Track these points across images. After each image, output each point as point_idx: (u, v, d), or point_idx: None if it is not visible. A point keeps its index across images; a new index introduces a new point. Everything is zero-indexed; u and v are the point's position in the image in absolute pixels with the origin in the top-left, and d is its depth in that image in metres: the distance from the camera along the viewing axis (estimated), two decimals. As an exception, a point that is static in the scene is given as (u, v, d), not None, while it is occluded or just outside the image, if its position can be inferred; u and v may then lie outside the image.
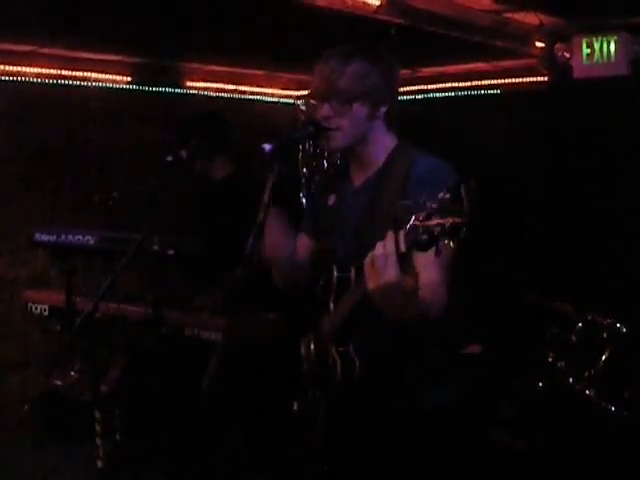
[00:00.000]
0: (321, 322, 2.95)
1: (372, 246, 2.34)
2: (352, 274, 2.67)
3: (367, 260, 2.35)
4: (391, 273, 2.28)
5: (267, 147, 2.92)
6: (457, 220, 2.08)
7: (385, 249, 2.30)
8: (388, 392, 2.96)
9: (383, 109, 3.01)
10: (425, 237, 2.12)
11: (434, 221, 2.10)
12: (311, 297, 3.15)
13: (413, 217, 2.17)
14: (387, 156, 3.03)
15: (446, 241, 2.10)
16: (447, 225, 2.08)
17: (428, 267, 2.63)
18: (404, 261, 2.29)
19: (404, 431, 2.95)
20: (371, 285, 2.34)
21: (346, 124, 2.95)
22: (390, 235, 2.29)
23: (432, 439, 2.97)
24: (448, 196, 2.09)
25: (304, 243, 3.30)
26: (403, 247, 2.22)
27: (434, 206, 2.11)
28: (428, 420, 2.96)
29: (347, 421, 2.98)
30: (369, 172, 3.06)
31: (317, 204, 3.27)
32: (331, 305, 2.89)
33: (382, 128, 3.06)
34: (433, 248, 2.14)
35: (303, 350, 3.13)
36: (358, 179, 3.10)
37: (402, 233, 2.22)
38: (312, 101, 3.02)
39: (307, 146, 8.60)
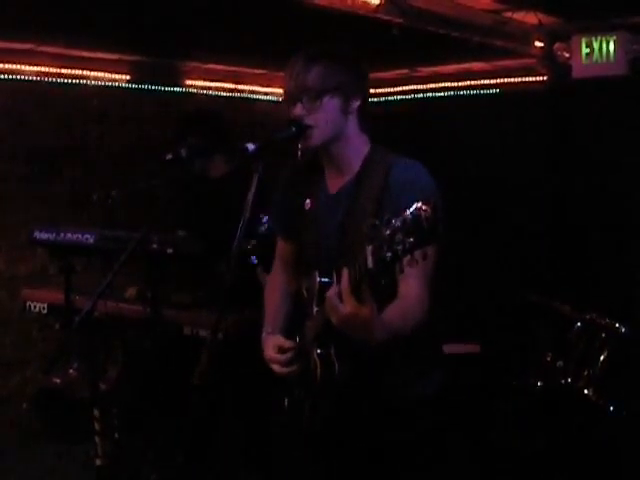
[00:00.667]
0: (304, 325, 2.97)
1: (351, 254, 2.51)
2: (334, 279, 2.70)
3: (327, 296, 2.57)
4: (346, 308, 2.49)
5: (250, 147, 2.92)
6: (418, 240, 2.20)
7: (340, 287, 2.51)
8: (368, 393, 2.96)
9: (355, 103, 2.99)
10: (389, 254, 2.25)
11: (397, 239, 2.22)
12: (296, 300, 3.17)
13: (379, 235, 2.28)
14: (363, 161, 3.01)
15: (408, 258, 2.23)
16: (408, 245, 2.20)
17: (406, 278, 2.74)
18: (358, 293, 2.48)
19: (386, 427, 2.96)
20: (332, 319, 2.56)
21: (320, 119, 2.94)
22: (345, 272, 2.49)
23: (414, 432, 2.98)
24: (410, 215, 2.20)
25: (285, 250, 3.35)
26: (371, 264, 2.33)
27: (398, 224, 2.22)
28: (410, 413, 2.98)
29: (329, 420, 2.99)
30: (345, 178, 3.03)
31: (290, 206, 3.24)
32: (314, 309, 2.91)
33: (356, 127, 3.03)
34: (398, 264, 2.27)
35: (291, 356, 3.13)
36: (333, 185, 3.08)
37: (369, 250, 2.33)
38: (286, 105, 3.01)
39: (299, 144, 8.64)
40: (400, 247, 2.21)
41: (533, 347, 5.33)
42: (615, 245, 6.47)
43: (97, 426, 4.60)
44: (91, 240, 4.70)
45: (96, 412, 4.59)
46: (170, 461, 4.79)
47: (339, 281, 2.56)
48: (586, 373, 4.90)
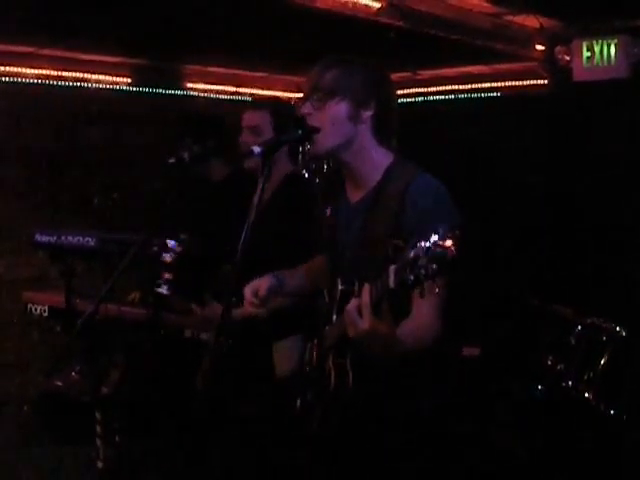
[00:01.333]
0: (324, 331, 2.98)
1: (369, 268, 2.57)
2: (356, 287, 2.71)
3: (346, 309, 2.58)
4: (365, 323, 2.51)
5: (256, 149, 2.93)
6: (441, 268, 2.23)
7: (360, 301, 2.52)
8: (382, 404, 2.97)
9: (367, 113, 2.97)
10: (411, 277, 2.27)
11: (420, 263, 2.25)
12: (316, 305, 3.18)
13: (403, 257, 2.31)
14: (383, 175, 2.98)
15: (430, 283, 2.26)
16: (431, 271, 2.23)
17: (421, 303, 2.75)
18: (378, 310, 2.50)
19: (396, 436, 2.95)
20: (350, 333, 2.57)
21: (325, 121, 2.93)
22: (366, 287, 2.51)
23: (425, 442, 2.98)
24: (435, 244, 2.23)
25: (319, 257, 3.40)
26: (392, 284, 2.36)
27: (423, 250, 2.25)
28: (421, 425, 2.97)
29: (338, 427, 2.99)
30: (364, 190, 3.02)
31: (318, 214, 3.28)
32: (334, 317, 2.91)
33: (371, 140, 3.01)
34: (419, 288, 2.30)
35: (307, 354, 3.16)
36: (353, 196, 3.07)
37: (392, 270, 2.35)
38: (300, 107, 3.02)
39: (307, 148, 8.65)
40: (423, 272, 2.24)
41: (534, 350, 5.33)
42: (616, 248, 6.47)
43: (98, 429, 4.59)
44: (92, 243, 4.70)
45: (97, 415, 4.59)
46: (171, 464, 4.80)
47: (359, 294, 2.57)
48: (587, 376, 4.89)
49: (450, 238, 2.21)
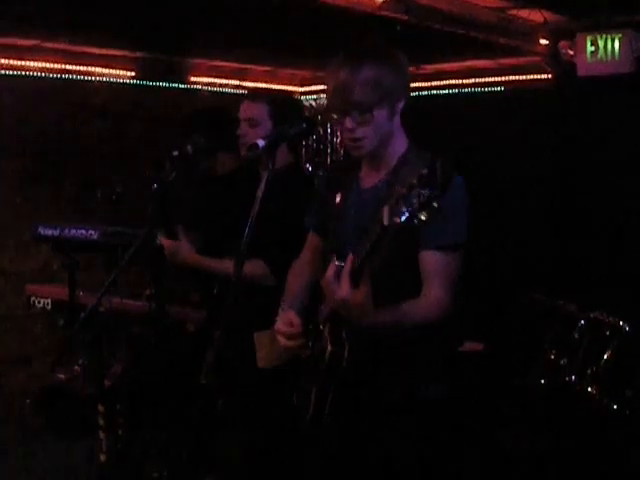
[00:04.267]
0: (318, 309, 2.99)
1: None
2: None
3: (324, 277, 2.65)
4: (342, 291, 2.57)
5: (260, 143, 2.93)
6: (432, 192, 2.25)
7: (339, 271, 2.59)
8: (377, 379, 2.96)
9: (400, 104, 3.00)
10: (404, 209, 2.28)
11: (413, 194, 2.26)
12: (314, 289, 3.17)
13: (395, 193, 2.32)
14: (399, 158, 3.00)
15: (422, 215, 2.26)
16: (422, 197, 2.25)
17: (432, 278, 2.82)
18: (357, 277, 2.54)
19: (394, 419, 2.95)
20: (330, 303, 2.68)
21: (370, 131, 2.92)
22: (349, 256, 2.56)
23: (425, 429, 2.97)
24: (425, 172, 2.25)
25: (315, 243, 3.35)
26: (386, 221, 2.35)
27: (414, 181, 2.26)
28: (422, 412, 2.96)
29: (337, 405, 2.99)
30: (380, 174, 3.02)
31: (324, 201, 3.25)
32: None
33: (398, 126, 3.05)
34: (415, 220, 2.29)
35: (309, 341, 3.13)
36: (368, 180, 3.07)
37: (385, 210, 2.35)
38: (333, 115, 2.96)
39: (310, 142, 8.65)
40: (415, 200, 2.25)
41: (537, 345, 5.33)
42: (620, 243, 6.46)
43: (101, 422, 4.61)
44: (95, 236, 4.71)
45: (100, 408, 4.60)
46: (174, 457, 4.80)
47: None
48: (590, 371, 4.89)
49: (439, 164, 2.25)
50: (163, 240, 3.94)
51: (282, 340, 3.07)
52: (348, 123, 2.92)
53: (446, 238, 2.83)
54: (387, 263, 2.58)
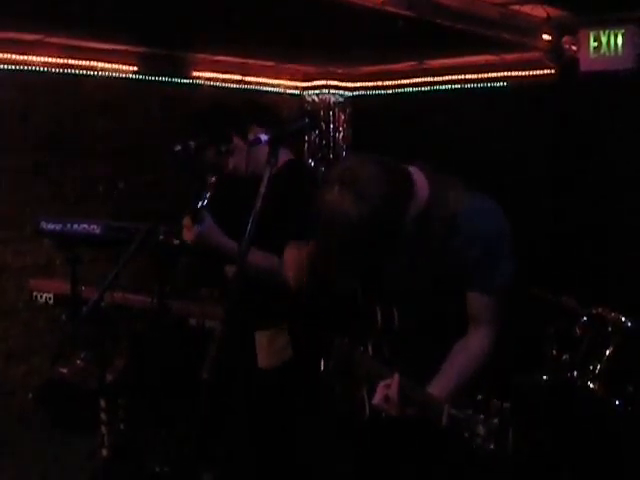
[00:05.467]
0: (357, 355, 2.95)
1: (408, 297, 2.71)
2: (395, 317, 2.84)
3: (373, 401, 2.68)
4: (393, 412, 2.63)
5: (263, 137, 2.92)
6: (497, 448, 2.39)
7: (387, 395, 2.62)
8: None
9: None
10: (465, 434, 2.39)
11: (478, 433, 2.38)
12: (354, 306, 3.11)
13: (462, 418, 2.41)
14: (423, 208, 2.72)
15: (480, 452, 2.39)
16: (486, 444, 2.38)
17: (478, 317, 2.86)
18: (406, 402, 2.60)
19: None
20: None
21: None
22: (395, 379, 2.61)
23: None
24: (496, 422, 2.39)
25: None
26: (445, 423, 2.44)
27: (482, 419, 2.39)
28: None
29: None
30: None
31: None
32: (369, 344, 2.94)
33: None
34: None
35: (337, 347, 3.06)
36: None
37: (446, 413, 2.45)
38: None
39: (313, 137, 8.64)
40: (480, 441, 2.37)
41: (539, 341, 5.32)
42: (622, 239, 6.46)
43: (103, 416, 4.61)
44: (97, 231, 4.71)
45: (102, 402, 4.60)
46: (176, 452, 4.81)
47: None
48: (592, 367, 4.89)
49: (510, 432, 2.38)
50: (187, 223, 3.84)
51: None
52: None
53: (495, 282, 2.85)
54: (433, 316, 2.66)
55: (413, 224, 2.69)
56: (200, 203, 3.64)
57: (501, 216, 2.88)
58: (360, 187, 2.51)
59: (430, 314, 2.77)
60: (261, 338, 3.85)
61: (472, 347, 2.86)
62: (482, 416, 2.36)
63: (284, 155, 4.05)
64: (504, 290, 2.89)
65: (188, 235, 3.71)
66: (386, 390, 2.63)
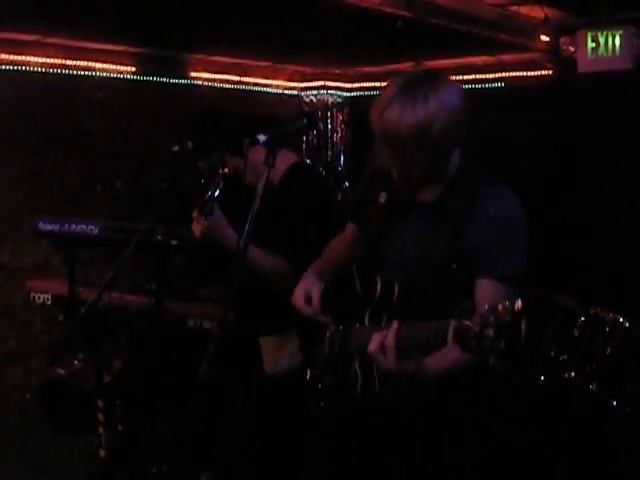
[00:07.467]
0: (353, 329, 2.94)
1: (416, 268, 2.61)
2: (395, 291, 2.77)
3: (368, 349, 2.58)
4: (389, 364, 2.52)
5: (261, 138, 2.92)
6: (508, 348, 2.22)
7: (384, 343, 2.52)
8: (407, 406, 2.92)
9: (462, 140, 2.86)
10: (475, 345, 2.23)
11: (487, 335, 2.21)
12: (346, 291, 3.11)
13: (467, 327, 2.27)
14: (451, 179, 2.86)
15: (491, 360, 2.22)
16: (498, 348, 2.21)
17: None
18: (406, 354, 2.51)
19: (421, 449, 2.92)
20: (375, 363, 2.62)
21: (421, 172, 2.81)
22: (393, 327, 2.51)
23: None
24: (508, 319, 2.21)
25: (353, 230, 3.28)
26: (449, 342, 2.34)
27: (492, 320, 2.21)
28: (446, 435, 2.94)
29: (362, 432, 2.99)
30: (431, 192, 2.89)
31: (367, 195, 3.14)
32: (366, 315, 2.90)
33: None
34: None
35: (328, 336, 3.09)
36: (417, 193, 2.93)
37: (451, 331, 2.33)
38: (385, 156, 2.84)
39: (311, 138, 8.64)
40: (489, 344, 2.20)
41: (536, 341, 5.32)
42: (621, 239, 6.46)
43: (101, 417, 4.61)
44: (95, 231, 4.70)
45: (100, 403, 4.60)
46: (173, 452, 4.81)
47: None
48: (590, 368, 4.88)
49: (525, 321, 2.22)
50: (196, 215, 3.82)
51: (297, 305, 3.06)
52: (387, 156, 2.81)
53: (509, 268, 2.75)
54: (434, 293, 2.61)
55: (444, 185, 2.83)
56: (209, 196, 3.63)
57: (520, 206, 2.84)
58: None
59: (433, 290, 2.72)
60: (267, 343, 3.85)
61: None
62: (492, 318, 2.20)
63: (289, 158, 4.05)
64: (516, 281, 2.76)
65: (196, 228, 3.72)
66: (382, 338, 2.54)
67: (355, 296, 3.00)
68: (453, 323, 2.33)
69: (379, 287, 2.85)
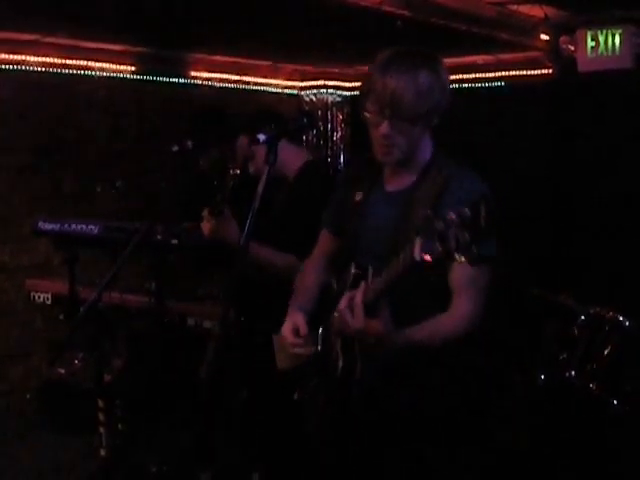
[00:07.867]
0: (331, 315, 2.93)
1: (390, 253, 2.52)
2: (369, 272, 2.73)
3: (337, 308, 2.65)
4: (357, 322, 2.56)
5: (261, 137, 2.93)
6: (473, 236, 2.13)
7: (352, 301, 2.58)
8: (390, 396, 2.92)
9: (437, 116, 2.91)
10: (440, 248, 2.18)
11: (450, 233, 2.15)
12: (326, 290, 3.14)
13: (431, 227, 2.21)
14: (425, 165, 2.93)
15: (458, 256, 2.15)
16: (462, 240, 2.13)
17: (462, 291, 2.78)
18: (374, 308, 2.54)
19: (401, 433, 2.91)
20: (344, 329, 2.67)
21: (404, 142, 2.84)
22: (361, 285, 2.58)
23: (424, 444, 2.92)
24: (468, 212, 2.13)
25: (327, 242, 3.28)
26: (418, 256, 2.26)
27: (453, 218, 2.15)
28: (430, 422, 2.91)
29: (344, 413, 2.98)
30: (404, 179, 2.94)
31: (342, 200, 3.16)
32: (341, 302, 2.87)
33: (428, 133, 2.96)
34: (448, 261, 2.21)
35: (318, 341, 3.10)
36: (391, 184, 2.99)
37: (418, 242, 2.26)
38: (367, 115, 2.86)
39: (310, 137, 8.64)
40: (453, 242, 2.14)
41: (536, 341, 5.33)
42: (621, 238, 6.46)
43: (101, 417, 4.61)
44: (95, 231, 4.70)
45: (100, 403, 4.60)
46: (174, 452, 4.81)
47: (374, 275, 2.60)
48: (590, 367, 4.89)
49: (483, 206, 2.12)
50: (206, 215, 3.82)
51: (289, 346, 3.07)
52: (384, 128, 2.82)
53: (476, 250, 2.77)
54: (410, 286, 2.54)
55: (417, 173, 2.90)
56: (220, 196, 3.64)
57: (488, 190, 2.81)
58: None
59: (404, 301, 2.68)
60: (279, 340, 3.86)
61: (452, 312, 2.79)
62: (454, 216, 2.14)
63: (302, 156, 4.05)
64: (487, 263, 2.74)
65: (206, 227, 3.73)
66: (351, 295, 2.59)
67: (333, 293, 3.02)
68: (417, 239, 2.27)
69: (353, 270, 2.85)
